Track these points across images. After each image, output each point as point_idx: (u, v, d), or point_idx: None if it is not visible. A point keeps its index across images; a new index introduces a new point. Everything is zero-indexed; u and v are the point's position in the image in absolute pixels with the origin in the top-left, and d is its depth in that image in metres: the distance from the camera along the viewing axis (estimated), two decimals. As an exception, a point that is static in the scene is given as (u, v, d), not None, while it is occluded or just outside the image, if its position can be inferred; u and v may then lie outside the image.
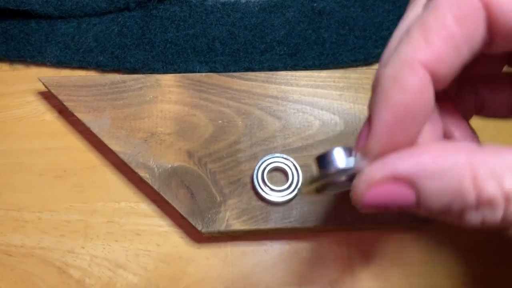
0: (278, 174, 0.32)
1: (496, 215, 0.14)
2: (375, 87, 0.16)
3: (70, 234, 0.33)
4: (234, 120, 0.33)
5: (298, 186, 0.30)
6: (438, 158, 0.14)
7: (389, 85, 0.15)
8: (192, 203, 0.30)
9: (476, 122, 0.22)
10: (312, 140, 0.32)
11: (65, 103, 0.32)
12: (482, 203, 0.14)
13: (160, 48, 0.36)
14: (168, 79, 0.33)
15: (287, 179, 0.31)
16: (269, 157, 0.31)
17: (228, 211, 0.30)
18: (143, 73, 0.36)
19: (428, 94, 0.15)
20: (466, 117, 0.20)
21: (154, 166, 0.31)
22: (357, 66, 0.37)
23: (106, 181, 0.34)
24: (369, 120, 0.16)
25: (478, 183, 0.14)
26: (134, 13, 0.37)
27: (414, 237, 0.33)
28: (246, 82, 0.33)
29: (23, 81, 0.36)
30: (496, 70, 0.20)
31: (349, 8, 0.37)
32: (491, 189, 0.13)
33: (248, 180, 0.31)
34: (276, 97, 0.33)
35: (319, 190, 0.20)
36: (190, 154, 0.32)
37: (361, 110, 0.33)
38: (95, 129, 0.32)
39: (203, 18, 0.37)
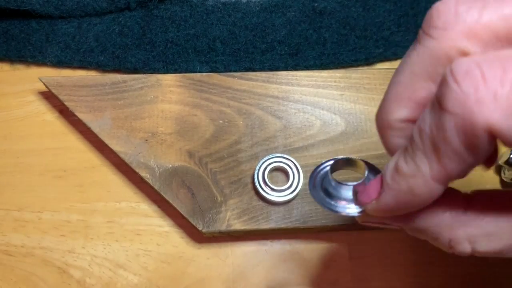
0: (279, 174, 0.32)
1: (462, 255, 0.17)
2: (394, 170, 0.17)
3: (71, 234, 0.33)
4: (235, 120, 0.33)
5: (299, 187, 0.30)
6: (426, 215, 0.17)
7: (403, 184, 0.16)
8: (193, 203, 0.30)
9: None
10: (313, 140, 0.32)
11: (65, 103, 0.32)
12: (454, 251, 0.17)
13: (161, 48, 0.36)
14: (169, 79, 0.33)
15: (288, 179, 0.31)
16: (270, 157, 0.31)
17: (229, 211, 0.30)
18: (144, 73, 0.36)
19: (436, 197, 0.16)
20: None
21: (155, 166, 0.31)
22: (358, 66, 0.37)
23: (106, 181, 0.34)
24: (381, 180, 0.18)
25: (452, 244, 0.17)
26: (135, 13, 0.37)
27: (414, 237, 0.33)
28: (247, 82, 0.33)
29: (24, 81, 0.36)
30: None
31: (350, 8, 0.37)
32: (463, 248, 0.17)
33: (249, 180, 0.31)
34: (277, 97, 0.33)
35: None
36: (190, 154, 0.32)
37: (362, 110, 0.33)
38: (95, 129, 0.32)
39: (204, 18, 0.37)
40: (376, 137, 0.32)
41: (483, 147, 0.14)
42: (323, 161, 0.21)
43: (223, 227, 0.30)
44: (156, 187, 0.31)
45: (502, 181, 0.33)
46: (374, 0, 0.37)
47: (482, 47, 0.15)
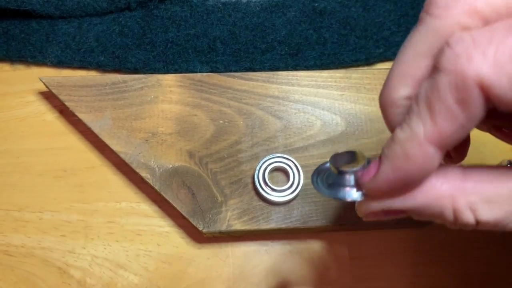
0: (279, 174, 0.32)
1: (469, 229, 0.18)
2: (390, 140, 0.18)
3: (71, 234, 0.33)
4: (235, 120, 0.33)
5: (300, 187, 0.30)
6: (426, 192, 0.17)
7: (398, 152, 0.17)
8: (193, 203, 0.30)
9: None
10: (314, 140, 0.32)
11: (66, 103, 0.32)
12: (459, 224, 0.17)
13: (161, 48, 0.36)
14: (169, 79, 0.33)
15: (288, 179, 0.31)
16: (270, 157, 0.31)
17: (229, 211, 0.30)
18: (144, 73, 0.36)
19: (432, 164, 0.17)
20: None
21: (155, 166, 0.31)
22: (358, 66, 0.37)
23: (107, 181, 0.34)
24: (379, 159, 0.18)
25: (457, 215, 0.17)
26: (135, 13, 0.37)
27: (414, 237, 0.33)
28: (247, 82, 0.33)
29: (24, 81, 0.36)
30: None
31: (350, 8, 0.37)
32: (467, 217, 0.17)
33: (249, 180, 0.31)
34: (277, 97, 0.33)
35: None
36: (191, 154, 0.32)
37: (362, 110, 0.33)
38: (96, 129, 0.32)
39: (204, 18, 0.37)
40: (376, 137, 0.32)
41: (475, 102, 0.15)
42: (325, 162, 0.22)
43: (223, 227, 0.30)
44: (156, 187, 0.31)
45: None
46: (374, 0, 0.37)
47: (483, 23, 0.16)
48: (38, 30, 0.36)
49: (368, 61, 0.37)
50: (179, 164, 0.31)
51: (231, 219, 0.30)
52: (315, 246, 0.33)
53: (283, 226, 0.30)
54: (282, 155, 0.31)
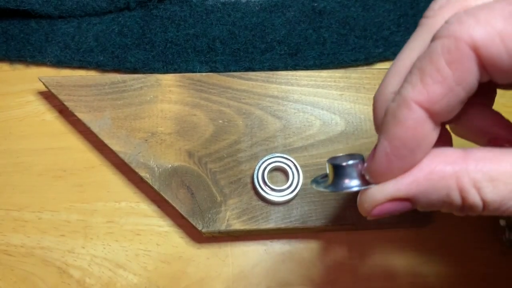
0: (279, 174, 0.32)
1: (476, 213, 0.17)
2: (384, 118, 0.18)
3: (70, 234, 0.33)
4: (235, 120, 0.33)
5: (299, 187, 0.30)
6: (429, 174, 0.17)
7: (389, 119, 0.17)
8: (193, 203, 0.30)
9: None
10: (313, 140, 0.32)
11: (65, 103, 0.32)
12: (466, 207, 0.17)
13: (160, 48, 0.36)
14: (168, 79, 0.33)
15: (288, 179, 0.31)
16: (269, 157, 0.31)
17: (229, 211, 0.30)
18: (144, 73, 0.36)
19: (424, 129, 0.16)
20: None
21: (155, 166, 0.31)
22: (357, 66, 0.37)
23: (106, 181, 0.34)
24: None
25: (464, 194, 0.16)
26: (135, 13, 0.37)
27: (414, 237, 0.33)
28: (246, 82, 0.33)
29: (23, 81, 0.36)
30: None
31: (349, 7, 0.37)
32: (473, 197, 0.16)
33: (249, 180, 0.31)
34: (276, 97, 0.33)
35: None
36: (190, 154, 0.32)
37: (362, 110, 0.33)
38: (95, 129, 0.32)
39: (204, 17, 0.37)
40: (375, 137, 0.32)
41: (466, 63, 0.15)
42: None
43: (222, 227, 0.30)
44: (155, 187, 0.31)
45: (502, 245, 0.32)
46: (374, 0, 0.37)
47: None
48: (37, 30, 0.36)
49: (368, 61, 0.37)
50: (179, 163, 0.31)
51: (230, 218, 0.30)
52: (314, 246, 0.33)
53: (283, 226, 0.30)
54: (282, 155, 0.31)
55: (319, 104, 0.33)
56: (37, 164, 0.34)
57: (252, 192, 0.31)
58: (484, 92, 0.20)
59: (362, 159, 0.19)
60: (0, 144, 0.35)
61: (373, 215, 0.18)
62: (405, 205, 0.18)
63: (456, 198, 0.17)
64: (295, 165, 0.31)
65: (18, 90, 0.36)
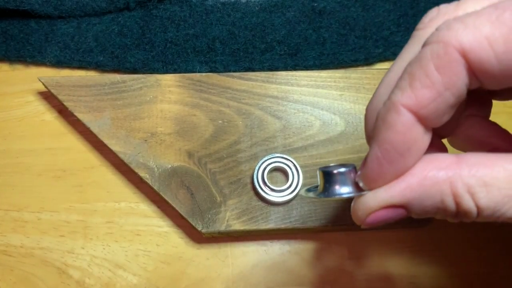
0: (279, 174, 0.32)
1: (470, 219, 0.17)
2: (374, 123, 0.18)
3: (70, 234, 0.33)
4: (234, 120, 0.32)
5: (299, 187, 0.30)
6: (423, 180, 0.17)
7: (379, 123, 0.17)
8: (192, 203, 0.30)
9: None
10: (313, 140, 0.32)
11: (65, 103, 0.32)
12: (460, 213, 0.17)
13: (160, 48, 0.36)
14: (168, 79, 0.33)
15: (287, 179, 0.31)
16: (269, 157, 0.31)
17: (228, 211, 0.30)
18: (143, 73, 0.36)
19: (413, 133, 0.16)
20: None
21: (154, 166, 0.31)
22: (357, 66, 0.37)
23: (106, 181, 0.34)
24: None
25: (458, 200, 0.16)
26: (134, 13, 0.37)
27: (414, 237, 0.33)
28: (246, 82, 0.33)
29: (23, 81, 0.36)
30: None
31: (349, 8, 0.37)
32: (467, 203, 0.16)
33: (248, 180, 0.31)
34: (276, 97, 0.33)
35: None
36: (190, 154, 0.32)
37: (361, 110, 0.33)
38: (95, 129, 0.32)
39: (203, 18, 0.37)
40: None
41: (455, 68, 0.15)
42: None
43: (222, 228, 0.30)
44: (155, 187, 0.31)
45: None
46: (374, 0, 0.37)
47: None
48: (37, 30, 0.36)
49: (368, 61, 0.37)
50: (178, 164, 0.31)
51: (230, 219, 0.30)
52: (314, 246, 0.33)
53: (282, 226, 0.30)
54: (281, 155, 0.31)
55: (319, 104, 0.33)
56: (36, 164, 0.34)
57: (252, 193, 0.31)
58: (479, 104, 0.21)
59: (354, 167, 0.20)
60: (0, 144, 0.35)
61: (368, 223, 0.18)
62: (400, 212, 0.18)
63: (450, 203, 0.17)
64: (295, 165, 0.31)
65: (18, 90, 0.36)
